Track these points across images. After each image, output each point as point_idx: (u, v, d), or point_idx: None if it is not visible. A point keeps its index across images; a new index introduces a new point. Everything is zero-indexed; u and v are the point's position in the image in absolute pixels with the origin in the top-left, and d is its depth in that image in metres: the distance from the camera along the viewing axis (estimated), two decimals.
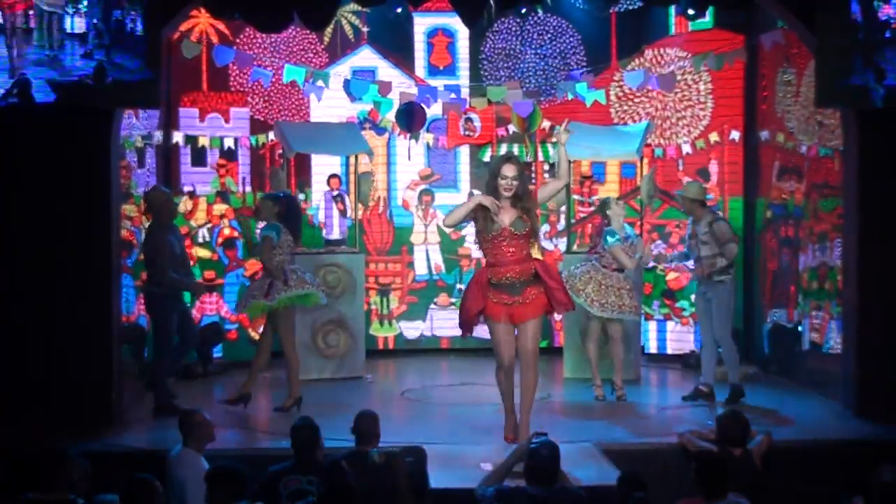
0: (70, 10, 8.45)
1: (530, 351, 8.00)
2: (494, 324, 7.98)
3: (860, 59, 8.65)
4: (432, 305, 12.47)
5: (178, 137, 11.70)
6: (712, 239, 9.72)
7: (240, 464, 5.92)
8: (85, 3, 8.45)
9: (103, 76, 8.36)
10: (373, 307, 12.30)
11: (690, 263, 10.33)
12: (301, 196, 12.11)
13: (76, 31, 8.48)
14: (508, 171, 7.89)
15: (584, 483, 6.67)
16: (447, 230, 12.03)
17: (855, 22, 8.66)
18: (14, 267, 8.75)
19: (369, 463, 6.28)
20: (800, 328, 10.48)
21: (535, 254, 8.22)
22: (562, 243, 12.09)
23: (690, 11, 10.19)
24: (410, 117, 11.50)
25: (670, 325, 12.04)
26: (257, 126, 12.05)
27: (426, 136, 12.25)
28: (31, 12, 8.41)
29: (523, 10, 11.45)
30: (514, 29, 12.39)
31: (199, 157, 11.88)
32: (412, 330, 12.47)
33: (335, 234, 12.04)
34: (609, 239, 9.94)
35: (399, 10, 11.09)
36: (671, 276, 11.97)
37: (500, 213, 7.82)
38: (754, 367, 11.04)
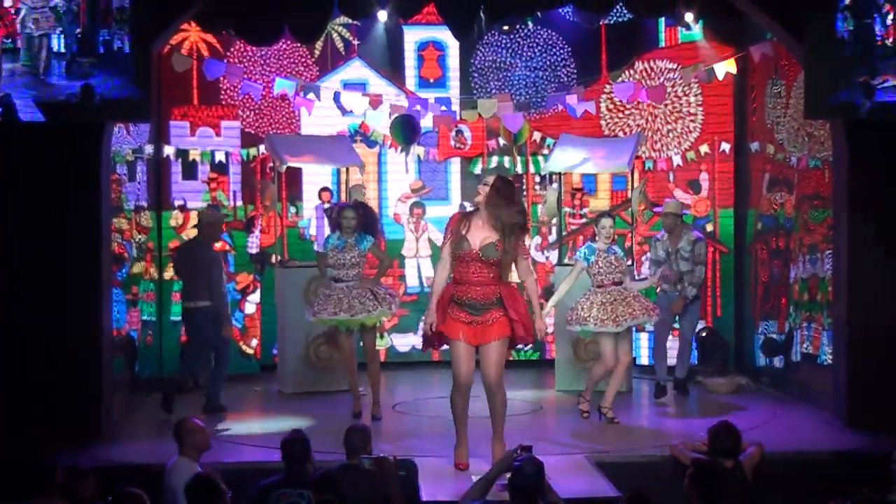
0: (57, 30, 8.44)
1: (492, 377, 7.69)
2: (453, 342, 7.69)
3: (847, 75, 8.67)
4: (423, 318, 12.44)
5: (168, 151, 11.69)
6: (692, 256, 10.36)
7: (216, 476, 5.90)
8: (72, 22, 8.45)
9: (90, 96, 8.36)
10: None
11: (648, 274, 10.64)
12: (292, 209, 12.12)
13: (63, 50, 8.47)
14: (489, 178, 7.76)
15: (576, 496, 6.66)
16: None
17: (841, 38, 8.70)
18: (4, 280, 8.73)
19: (361, 470, 6.27)
20: (792, 332, 10.50)
21: (522, 275, 7.82)
22: (553, 255, 12.10)
23: (689, 16, 10.30)
24: (410, 130, 11.50)
25: None
26: (248, 139, 12.05)
27: (417, 149, 12.26)
28: (17, 31, 8.40)
29: (505, 27, 11.37)
30: (504, 41, 12.40)
31: (189, 171, 11.87)
32: (404, 343, 12.46)
33: None
34: (583, 255, 9.72)
35: (384, 16, 10.81)
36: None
37: (473, 232, 7.56)
38: (746, 378, 11.04)
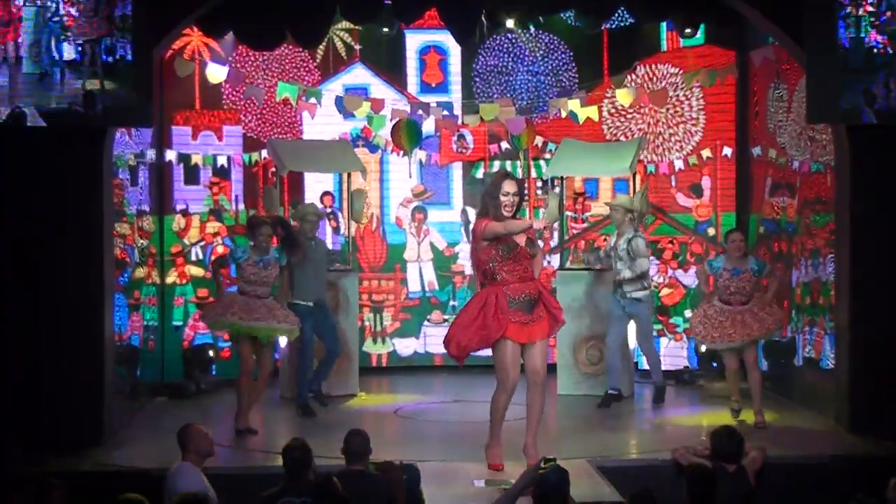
0: (60, 39, 8.46)
1: (542, 372, 7.93)
2: (506, 342, 7.81)
3: (848, 83, 8.67)
4: (426, 322, 12.46)
5: (170, 155, 11.71)
6: (627, 256, 10.24)
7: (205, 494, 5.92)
8: (75, 30, 8.46)
9: (93, 104, 8.37)
10: (366, 324, 12.29)
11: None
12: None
13: (66, 58, 8.49)
14: (510, 187, 7.81)
15: (579, 501, 6.65)
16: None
17: (842, 46, 8.70)
18: (6, 284, 8.74)
19: (365, 475, 6.26)
20: (795, 338, 10.49)
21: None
22: (555, 260, 12.09)
23: (687, 30, 10.30)
24: (418, 134, 11.54)
25: (664, 341, 12.04)
26: (250, 144, 12.06)
27: (419, 154, 12.26)
28: (20, 40, 8.41)
29: (510, 23, 11.25)
30: (505, 46, 12.40)
31: (191, 175, 11.89)
32: (406, 347, 12.46)
33: None
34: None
35: (386, 30, 11.00)
36: (665, 291, 11.99)
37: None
38: (748, 383, 11.00)
